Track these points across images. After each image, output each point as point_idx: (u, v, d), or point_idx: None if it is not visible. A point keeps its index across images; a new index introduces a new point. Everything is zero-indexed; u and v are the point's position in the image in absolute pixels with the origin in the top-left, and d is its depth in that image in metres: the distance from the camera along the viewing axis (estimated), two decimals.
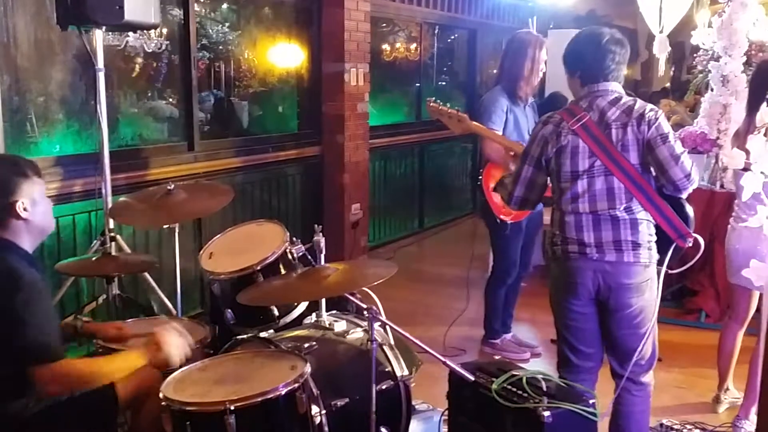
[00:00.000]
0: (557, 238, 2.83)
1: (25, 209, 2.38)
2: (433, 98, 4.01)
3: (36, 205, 2.41)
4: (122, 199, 3.73)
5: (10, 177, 2.39)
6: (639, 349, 2.75)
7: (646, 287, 2.76)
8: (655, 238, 2.76)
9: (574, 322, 2.86)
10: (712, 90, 5.07)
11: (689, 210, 2.77)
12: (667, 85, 11.34)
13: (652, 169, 2.73)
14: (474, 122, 3.98)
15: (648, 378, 2.89)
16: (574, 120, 2.75)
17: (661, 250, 2.75)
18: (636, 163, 2.70)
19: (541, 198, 2.94)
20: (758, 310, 3.62)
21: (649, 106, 2.75)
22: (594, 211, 2.72)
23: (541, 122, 2.89)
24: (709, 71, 5.00)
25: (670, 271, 2.76)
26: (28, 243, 2.44)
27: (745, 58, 4.89)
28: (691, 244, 2.73)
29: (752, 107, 3.41)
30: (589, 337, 2.87)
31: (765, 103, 3.41)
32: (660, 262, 2.76)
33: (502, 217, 4.15)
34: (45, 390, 2.30)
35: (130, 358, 2.45)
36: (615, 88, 2.79)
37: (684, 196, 2.75)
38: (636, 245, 2.71)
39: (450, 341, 4.56)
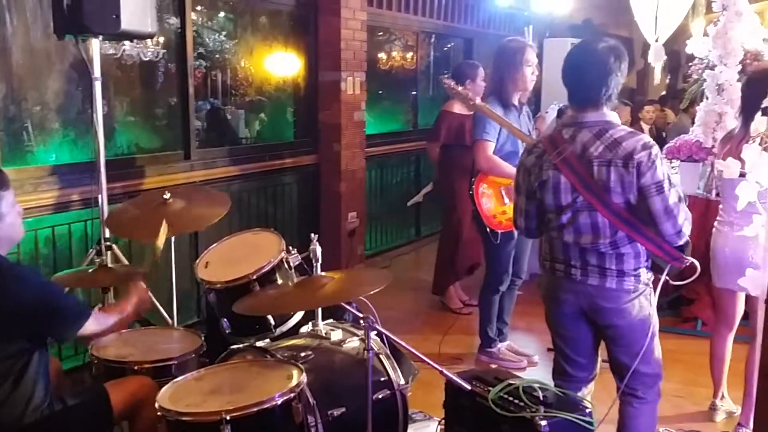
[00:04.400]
0: (546, 255, 2.81)
1: None
2: (448, 74, 4.04)
3: (3, 218, 2.42)
4: (119, 206, 3.72)
5: None
6: (632, 367, 2.69)
7: (632, 308, 2.67)
8: (644, 265, 2.67)
9: (565, 331, 2.85)
10: (707, 99, 5.09)
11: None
12: (663, 93, 11.38)
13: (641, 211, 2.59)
14: (485, 105, 4.00)
15: (650, 394, 2.82)
16: (555, 153, 2.63)
17: (658, 268, 2.69)
18: (620, 202, 2.56)
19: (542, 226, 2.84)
20: (746, 317, 3.65)
21: (641, 142, 2.55)
22: (577, 242, 2.66)
23: (526, 151, 2.83)
24: (705, 80, 5.02)
25: (672, 282, 2.71)
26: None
27: (740, 67, 4.91)
28: (687, 265, 2.65)
29: (747, 117, 3.43)
30: (581, 347, 2.85)
31: (760, 113, 3.42)
32: (656, 277, 2.69)
33: (491, 228, 4.17)
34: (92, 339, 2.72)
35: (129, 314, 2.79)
36: (603, 117, 2.62)
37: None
38: (621, 273, 2.64)
39: (446, 350, 4.55)
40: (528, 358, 4.53)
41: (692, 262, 2.65)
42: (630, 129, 2.65)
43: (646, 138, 2.60)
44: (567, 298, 2.75)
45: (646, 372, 2.76)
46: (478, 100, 3.91)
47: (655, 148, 2.57)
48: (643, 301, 2.70)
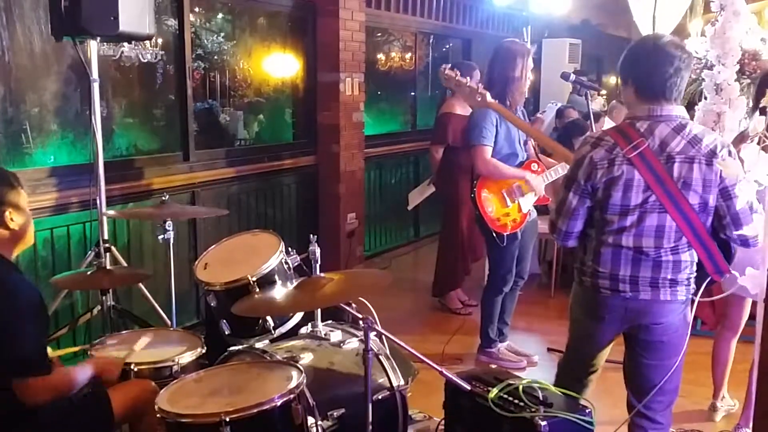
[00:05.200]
0: (587, 268, 2.61)
1: (12, 219, 2.38)
2: (449, 65, 3.76)
3: (22, 214, 2.42)
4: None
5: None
6: (659, 384, 2.58)
7: (680, 323, 2.57)
8: (695, 274, 2.56)
9: (592, 345, 2.73)
10: (705, 98, 5.08)
11: (734, 246, 2.59)
12: None
13: (717, 213, 2.48)
14: (495, 102, 3.71)
15: (665, 416, 2.70)
16: (630, 147, 2.44)
17: (696, 281, 2.59)
18: (696, 203, 2.43)
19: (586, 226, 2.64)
20: (752, 317, 3.64)
21: (720, 139, 2.47)
22: (638, 247, 2.49)
23: (589, 144, 2.55)
24: (703, 80, 5.02)
25: (701, 300, 2.58)
26: (10, 252, 2.45)
27: (738, 67, 4.91)
28: (726, 279, 2.57)
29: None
30: (600, 356, 2.77)
31: (758, 112, 3.43)
32: (694, 293, 2.58)
33: (496, 231, 4.16)
34: (29, 400, 2.33)
35: (84, 372, 2.55)
36: (680, 112, 2.50)
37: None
38: (674, 282, 2.52)
39: (446, 350, 4.55)
40: (528, 358, 4.52)
41: (732, 275, 2.56)
42: (700, 125, 2.56)
43: (716, 133, 2.52)
44: (610, 317, 2.59)
45: (668, 389, 2.64)
46: (488, 96, 3.61)
47: (731, 146, 2.50)
48: (688, 313, 2.60)
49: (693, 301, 2.60)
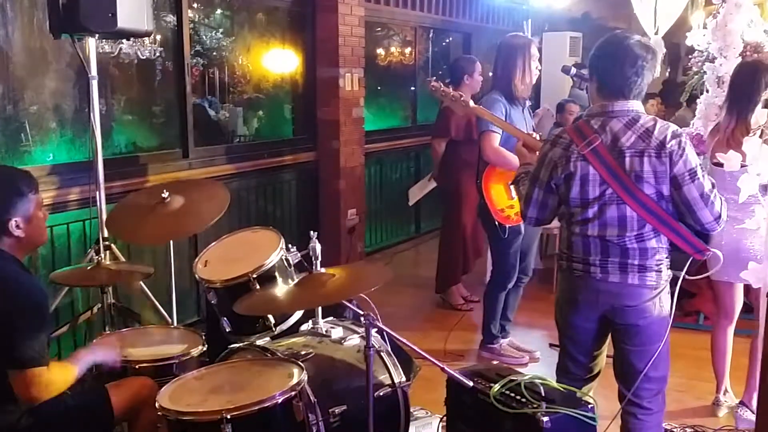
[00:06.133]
0: (564, 254, 2.72)
1: (17, 227, 2.38)
2: (434, 77, 3.92)
3: (29, 221, 2.42)
4: (117, 206, 3.69)
5: (5, 195, 2.40)
6: (643, 371, 2.63)
7: (653, 307, 2.62)
8: (666, 261, 2.62)
9: (576, 334, 2.79)
10: (707, 91, 5.06)
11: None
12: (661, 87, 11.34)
13: (673, 202, 2.56)
14: (479, 107, 3.94)
15: (656, 403, 2.74)
16: (583, 144, 2.56)
17: (679, 261, 2.64)
18: (651, 193, 2.52)
19: (554, 216, 2.78)
20: (749, 310, 3.65)
21: (671, 129, 2.54)
22: (602, 236, 2.58)
23: (549, 142, 2.70)
24: (705, 72, 5.00)
25: (688, 278, 2.63)
26: (20, 254, 2.48)
27: (740, 59, 4.88)
28: (708, 257, 2.62)
29: (733, 105, 3.49)
30: (589, 349, 2.80)
31: (760, 105, 3.43)
32: (675, 275, 2.64)
33: (499, 222, 4.15)
34: (27, 395, 2.34)
35: (84, 359, 2.57)
36: (633, 106, 2.58)
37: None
38: (642, 268, 2.59)
39: (448, 347, 4.54)
40: (530, 354, 4.52)
41: (714, 253, 2.60)
42: (655, 118, 2.61)
43: (673, 126, 2.57)
44: (585, 300, 2.67)
45: (654, 376, 2.69)
46: (471, 103, 3.80)
47: (684, 136, 2.55)
48: (664, 299, 2.65)
49: (675, 284, 2.65)
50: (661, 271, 2.62)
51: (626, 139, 2.53)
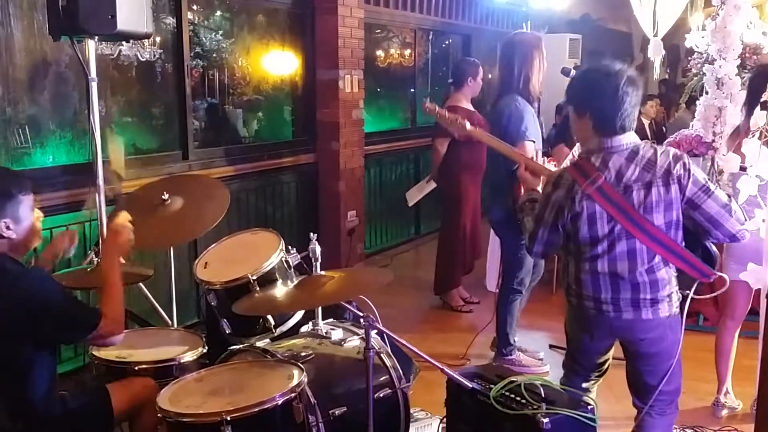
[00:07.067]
0: (572, 291, 2.67)
1: (8, 228, 2.38)
2: (428, 99, 3.72)
3: (20, 222, 2.41)
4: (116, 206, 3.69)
5: None
6: (658, 387, 2.64)
7: (667, 334, 2.62)
8: (676, 288, 2.61)
9: (586, 353, 2.78)
10: (706, 93, 5.07)
11: (714, 250, 2.62)
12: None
13: (692, 221, 2.53)
14: (477, 129, 3.68)
15: (670, 408, 2.75)
16: (587, 182, 2.51)
17: (687, 280, 2.63)
18: (661, 223, 2.50)
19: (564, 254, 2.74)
20: (754, 312, 3.64)
21: (672, 154, 2.52)
22: (613, 271, 2.55)
23: (551, 184, 2.64)
24: (704, 74, 5.00)
25: (696, 297, 2.63)
26: (16, 254, 2.46)
27: (739, 61, 4.89)
28: (714, 280, 2.61)
29: (751, 109, 3.44)
30: (599, 360, 2.80)
31: (758, 107, 3.42)
32: (684, 296, 2.63)
33: None
34: (109, 341, 2.50)
35: (112, 264, 2.61)
36: (629, 139, 2.54)
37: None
38: (654, 302, 2.56)
39: (448, 348, 4.53)
40: (535, 354, 4.50)
41: (721, 277, 2.60)
42: (652, 145, 2.59)
43: (672, 150, 2.56)
44: (597, 333, 2.68)
45: (667, 390, 2.69)
46: (468, 126, 3.53)
47: (685, 156, 2.54)
48: (675, 321, 2.64)
49: (684, 305, 2.63)
50: (671, 301, 2.60)
51: (631, 173, 2.50)
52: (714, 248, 2.62)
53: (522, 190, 3.67)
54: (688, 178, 2.49)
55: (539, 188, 2.93)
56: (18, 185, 2.43)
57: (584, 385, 2.80)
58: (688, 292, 2.62)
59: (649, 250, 2.52)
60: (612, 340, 2.73)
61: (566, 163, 3.41)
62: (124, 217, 2.72)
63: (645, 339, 2.62)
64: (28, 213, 2.44)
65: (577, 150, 3.18)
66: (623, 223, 2.50)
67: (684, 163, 2.51)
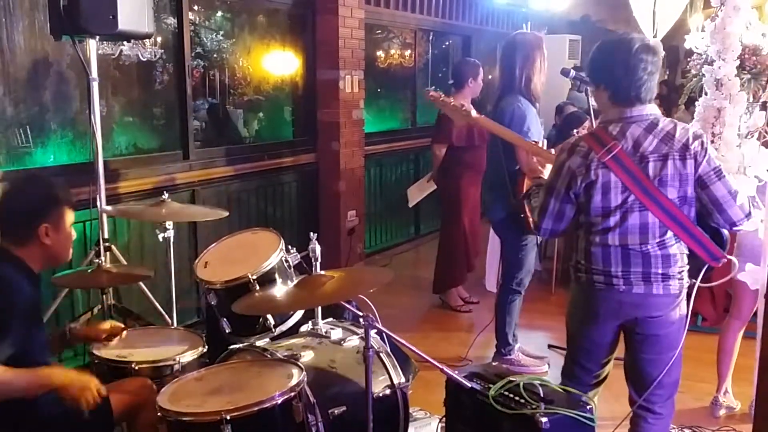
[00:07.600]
0: (582, 266, 2.65)
1: (47, 234, 2.39)
2: (433, 87, 3.68)
3: (59, 232, 2.43)
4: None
5: (43, 199, 2.43)
6: (658, 377, 2.63)
7: (675, 316, 2.61)
8: (687, 267, 2.60)
9: (591, 348, 2.75)
10: (706, 94, 5.08)
11: (725, 232, 2.61)
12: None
13: (699, 202, 2.54)
14: (482, 117, 3.68)
15: (667, 407, 2.75)
16: (603, 151, 2.50)
17: (694, 268, 2.62)
18: (674, 197, 2.50)
19: (568, 227, 2.71)
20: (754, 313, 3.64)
21: (692, 131, 2.52)
22: (624, 244, 2.54)
23: (566, 151, 2.61)
24: (703, 75, 5.01)
25: (702, 285, 2.61)
26: (38, 265, 2.47)
27: (738, 62, 4.90)
28: (723, 263, 2.61)
29: None
30: (602, 359, 2.77)
31: (758, 108, 3.43)
32: (692, 282, 2.62)
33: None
34: None
35: (51, 377, 2.35)
36: (651, 110, 2.54)
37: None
38: (666, 277, 2.55)
39: (448, 348, 4.54)
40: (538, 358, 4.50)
41: (730, 260, 2.60)
42: (673, 120, 2.58)
43: (694, 127, 2.56)
44: (606, 313, 2.63)
45: (667, 382, 2.68)
46: (473, 113, 3.59)
47: (704, 136, 2.54)
48: (683, 306, 2.63)
49: (690, 294, 2.62)
50: (682, 279, 2.60)
51: (648, 144, 2.50)
52: (725, 232, 2.61)
53: (525, 186, 3.77)
54: (704, 156, 2.48)
55: (545, 176, 2.92)
56: (66, 197, 2.47)
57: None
58: (695, 281, 2.61)
59: (661, 225, 2.51)
60: (617, 328, 2.68)
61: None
62: (95, 384, 2.43)
63: (654, 317, 2.59)
64: (67, 227, 2.46)
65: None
66: (637, 193, 2.49)
67: (702, 142, 2.50)
